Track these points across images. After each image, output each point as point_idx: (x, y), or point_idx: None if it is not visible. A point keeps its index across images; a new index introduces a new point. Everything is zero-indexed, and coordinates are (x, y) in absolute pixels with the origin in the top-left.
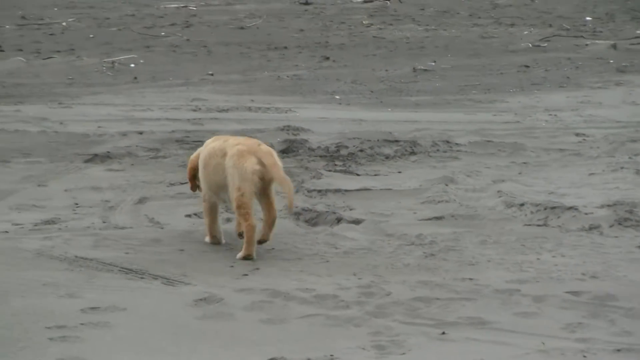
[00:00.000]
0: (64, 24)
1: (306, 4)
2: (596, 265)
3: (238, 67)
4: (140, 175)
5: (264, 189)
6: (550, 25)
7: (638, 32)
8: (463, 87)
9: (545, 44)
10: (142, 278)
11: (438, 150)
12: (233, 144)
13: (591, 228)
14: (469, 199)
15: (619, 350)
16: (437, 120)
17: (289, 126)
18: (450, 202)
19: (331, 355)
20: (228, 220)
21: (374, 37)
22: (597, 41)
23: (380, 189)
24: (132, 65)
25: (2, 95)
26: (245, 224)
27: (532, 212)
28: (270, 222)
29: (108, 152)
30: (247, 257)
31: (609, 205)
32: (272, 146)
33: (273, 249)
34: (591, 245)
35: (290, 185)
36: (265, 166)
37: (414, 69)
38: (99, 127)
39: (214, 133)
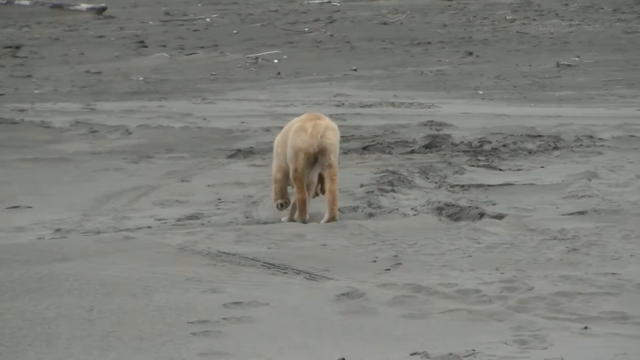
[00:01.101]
0: (207, 19)
1: None
2: None
3: (381, 62)
4: None
5: (320, 163)
6: None
7: None
8: (606, 82)
9: None
10: (284, 273)
11: (581, 145)
12: (296, 120)
13: None
14: (612, 193)
15: None
16: (580, 115)
17: (432, 121)
18: (593, 197)
19: (473, 350)
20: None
21: (517, 32)
22: None
23: (523, 184)
24: (276, 60)
25: (146, 91)
26: (297, 196)
27: None
28: (330, 198)
29: (251, 147)
30: (296, 220)
31: None
32: (414, 142)
33: (415, 243)
34: None
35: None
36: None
37: (557, 64)
38: (242, 122)
39: (356, 129)
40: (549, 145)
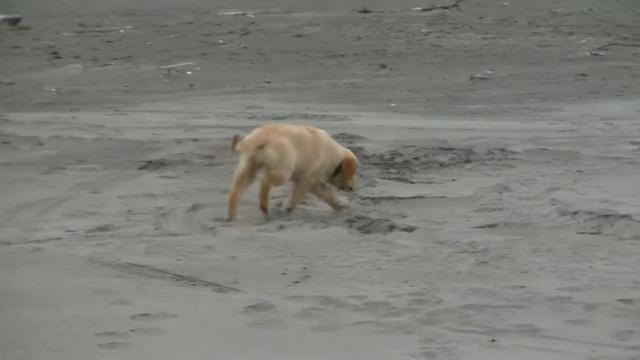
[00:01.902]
0: (121, 31)
1: (365, 12)
2: None
3: (295, 74)
4: (194, 182)
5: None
6: (609, 34)
7: None
8: (520, 96)
9: (604, 53)
10: (193, 285)
11: (493, 158)
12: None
13: None
14: (523, 207)
15: None
16: (493, 129)
17: (344, 134)
18: (503, 210)
19: None
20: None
21: (431, 45)
22: None
23: (434, 197)
24: (189, 72)
25: (58, 102)
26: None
27: (585, 220)
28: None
29: (162, 159)
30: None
31: None
32: None
33: (325, 256)
34: None
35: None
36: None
37: (471, 77)
38: (154, 134)
39: None
40: (461, 159)
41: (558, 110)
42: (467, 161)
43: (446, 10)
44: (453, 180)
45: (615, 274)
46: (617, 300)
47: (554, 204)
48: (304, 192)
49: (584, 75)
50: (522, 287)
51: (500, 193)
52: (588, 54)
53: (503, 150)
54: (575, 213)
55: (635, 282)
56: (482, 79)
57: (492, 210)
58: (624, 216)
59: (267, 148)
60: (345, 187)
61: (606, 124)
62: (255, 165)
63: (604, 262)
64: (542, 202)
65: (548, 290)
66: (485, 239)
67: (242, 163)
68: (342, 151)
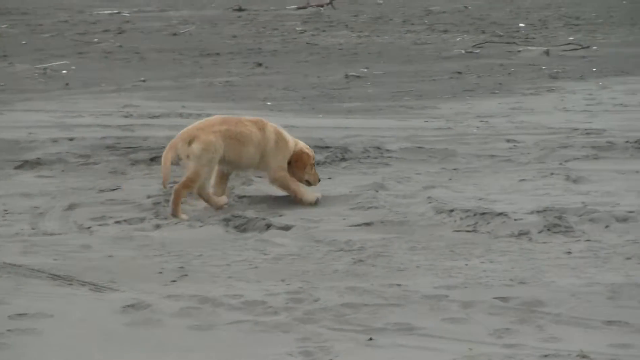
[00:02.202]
0: None
1: (240, 10)
2: (525, 271)
3: (170, 73)
4: (71, 181)
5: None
6: (484, 32)
7: (571, 38)
8: (395, 94)
9: (478, 51)
10: (70, 284)
11: (369, 156)
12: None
13: (520, 234)
14: (399, 205)
15: (545, 356)
16: (369, 127)
17: None
18: (380, 208)
19: None
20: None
21: (307, 43)
22: (530, 47)
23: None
24: (64, 71)
25: None
26: None
27: (461, 218)
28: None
29: (38, 158)
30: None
31: (538, 212)
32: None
33: (202, 255)
34: (520, 251)
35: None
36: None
37: (346, 75)
38: (30, 133)
39: (145, 140)
40: (337, 157)
41: (433, 108)
42: (343, 159)
43: (321, 8)
44: (329, 178)
45: (492, 271)
46: (494, 298)
47: (430, 202)
48: (288, 185)
49: (459, 73)
50: (399, 285)
51: (377, 191)
52: (463, 51)
53: (379, 148)
54: (451, 211)
55: (512, 279)
56: (358, 77)
57: (369, 208)
58: (500, 214)
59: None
60: (302, 181)
61: (481, 121)
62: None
63: (480, 260)
64: (418, 200)
65: (425, 288)
66: (361, 237)
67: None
68: (294, 143)
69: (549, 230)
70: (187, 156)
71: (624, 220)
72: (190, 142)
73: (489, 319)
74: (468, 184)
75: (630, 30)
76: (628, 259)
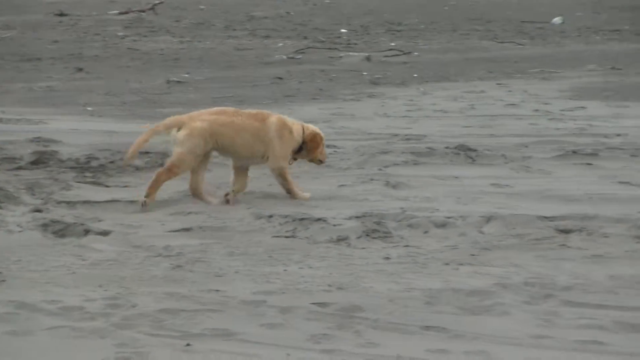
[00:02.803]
0: None
1: (61, 15)
2: (343, 277)
3: None
4: None
5: None
6: (306, 38)
7: (392, 44)
8: (217, 99)
9: (300, 56)
10: None
11: None
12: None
13: (339, 239)
14: (218, 210)
15: None
16: None
17: (39, 137)
18: (199, 214)
19: None
20: None
21: (128, 48)
22: (351, 53)
23: (130, 201)
24: None
25: None
26: None
27: (280, 224)
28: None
29: None
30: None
31: (357, 217)
32: (21, 158)
33: (20, 260)
34: (339, 257)
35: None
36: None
37: (167, 80)
38: None
39: None
40: (156, 162)
41: None
42: (161, 165)
43: (143, 13)
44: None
45: (310, 277)
46: (312, 303)
47: (249, 208)
48: (285, 178)
49: (280, 78)
50: (217, 290)
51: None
52: (284, 57)
53: None
54: (270, 217)
55: (330, 285)
56: (179, 82)
57: (188, 214)
58: (318, 219)
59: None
60: (314, 161)
61: None
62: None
63: (298, 265)
64: (237, 206)
65: (243, 293)
66: (180, 243)
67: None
68: (301, 127)
69: (367, 235)
70: (174, 142)
71: (442, 225)
72: (178, 129)
73: (307, 324)
74: None
75: (451, 36)
76: (446, 264)
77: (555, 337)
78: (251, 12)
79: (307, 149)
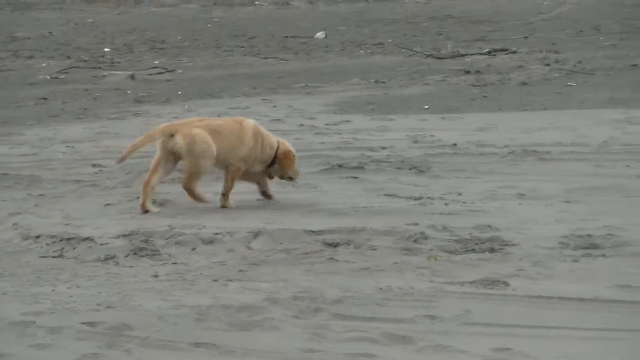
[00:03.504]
0: None
1: None
2: (112, 296)
3: None
4: None
5: None
6: (69, 57)
7: (156, 62)
8: None
9: (64, 76)
10: None
11: None
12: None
13: (107, 258)
14: None
15: None
16: None
17: None
18: None
19: None
20: None
21: None
22: (115, 72)
23: None
24: None
25: None
26: None
27: (48, 244)
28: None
29: None
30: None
31: (124, 235)
32: None
33: None
34: (107, 276)
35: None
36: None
37: None
38: None
39: None
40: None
41: (18, 134)
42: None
43: None
44: None
45: (79, 296)
46: (81, 323)
47: (16, 229)
48: (233, 177)
49: (44, 98)
50: None
51: None
52: (48, 77)
53: None
54: (37, 237)
55: (99, 304)
56: None
57: None
58: (86, 239)
59: (177, 136)
60: (285, 177)
61: (67, 147)
62: (169, 154)
63: (67, 285)
64: (4, 227)
65: (12, 314)
66: None
67: (157, 150)
68: (276, 141)
69: (135, 254)
70: (177, 148)
71: (210, 242)
72: (172, 135)
73: (77, 344)
74: (54, 210)
75: (215, 53)
76: (215, 280)
77: (325, 351)
78: (14, 32)
79: (282, 164)
